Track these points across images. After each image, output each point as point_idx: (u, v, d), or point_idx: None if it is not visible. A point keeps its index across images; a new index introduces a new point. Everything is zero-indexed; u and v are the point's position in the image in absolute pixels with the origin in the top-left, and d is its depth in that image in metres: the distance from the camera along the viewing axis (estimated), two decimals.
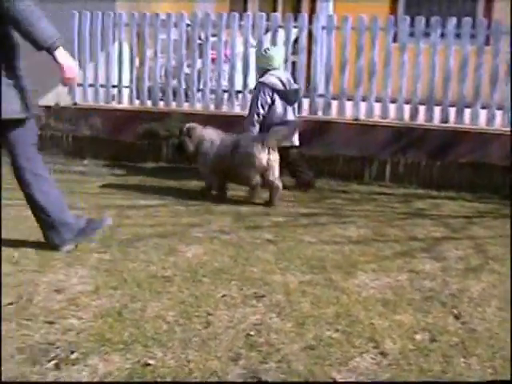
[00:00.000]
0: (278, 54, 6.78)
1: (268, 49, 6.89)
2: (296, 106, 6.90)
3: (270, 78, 6.58)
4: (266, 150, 5.98)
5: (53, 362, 2.95)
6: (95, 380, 2.81)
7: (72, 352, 3.05)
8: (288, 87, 6.64)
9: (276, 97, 6.56)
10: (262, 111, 6.52)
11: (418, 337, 3.27)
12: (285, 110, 6.63)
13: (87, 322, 3.37)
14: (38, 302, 3.60)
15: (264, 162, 5.97)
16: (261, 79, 6.64)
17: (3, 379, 2.57)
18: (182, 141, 6.32)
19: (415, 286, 3.98)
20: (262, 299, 3.71)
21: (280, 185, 6.09)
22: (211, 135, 6.25)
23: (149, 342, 3.14)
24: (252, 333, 3.27)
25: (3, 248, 4.48)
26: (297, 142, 6.70)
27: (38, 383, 2.61)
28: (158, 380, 2.80)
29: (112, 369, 2.90)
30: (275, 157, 6.04)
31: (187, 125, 6.39)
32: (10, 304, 3.57)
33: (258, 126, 6.56)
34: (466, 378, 2.88)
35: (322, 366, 2.94)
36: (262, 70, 6.71)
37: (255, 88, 6.75)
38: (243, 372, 2.89)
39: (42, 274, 4.04)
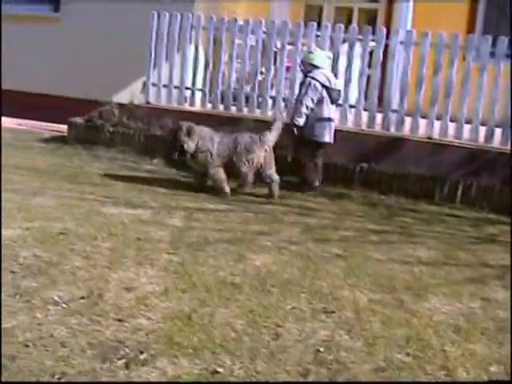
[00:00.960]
0: (322, 55, 7.19)
1: (315, 49, 7.44)
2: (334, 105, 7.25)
3: (320, 75, 6.92)
4: (264, 147, 6.44)
5: (122, 361, 2.96)
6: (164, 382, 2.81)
7: (141, 352, 3.05)
8: (333, 86, 7.00)
9: (324, 93, 6.90)
10: (310, 104, 6.86)
11: (492, 369, 3.17)
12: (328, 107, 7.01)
13: (156, 323, 3.38)
14: (108, 299, 3.63)
15: (261, 158, 6.44)
16: (310, 74, 6.92)
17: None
18: (182, 141, 6.41)
19: (488, 315, 3.86)
20: (332, 315, 3.65)
21: (278, 178, 6.53)
22: (210, 134, 6.55)
23: (217, 349, 3.13)
24: (321, 349, 3.22)
25: (74, 241, 4.55)
26: (331, 139, 7.04)
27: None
28: None
29: (181, 373, 2.89)
30: (271, 153, 6.53)
31: (185, 124, 6.54)
32: (82, 298, 3.61)
33: (305, 118, 6.87)
34: None
35: None
36: (308, 68, 7.01)
37: (304, 82, 6.99)
38: None
39: (112, 270, 4.08)
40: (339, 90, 7.18)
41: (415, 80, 7.69)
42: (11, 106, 10.13)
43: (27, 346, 3.04)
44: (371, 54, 7.96)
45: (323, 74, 6.96)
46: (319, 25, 8.33)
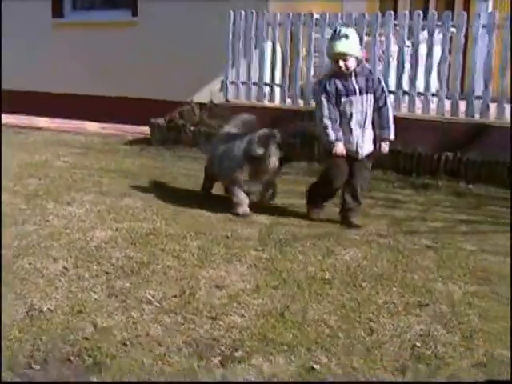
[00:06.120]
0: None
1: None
2: None
3: None
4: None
5: (218, 359, 2.99)
6: (261, 380, 2.81)
7: (236, 350, 3.07)
8: None
9: None
10: None
11: None
12: None
13: (249, 320, 3.39)
14: (200, 297, 3.67)
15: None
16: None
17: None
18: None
19: None
20: (426, 308, 3.59)
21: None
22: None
23: (312, 346, 3.12)
24: (418, 344, 3.16)
25: (164, 240, 4.62)
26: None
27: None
28: None
29: (277, 371, 2.90)
30: None
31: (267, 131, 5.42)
32: (175, 297, 3.66)
33: None
34: None
35: None
36: None
37: None
38: None
39: (202, 268, 4.12)
40: None
41: (499, 64, 7.46)
42: (94, 111, 10.39)
43: (125, 344, 3.12)
44: (451, 40, 7.76)
45: None
46: (396, 14, 8.17)
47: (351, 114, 5.04)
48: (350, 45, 4.96)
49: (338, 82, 5.02)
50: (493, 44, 7.44)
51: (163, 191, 6.11)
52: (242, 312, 3.49)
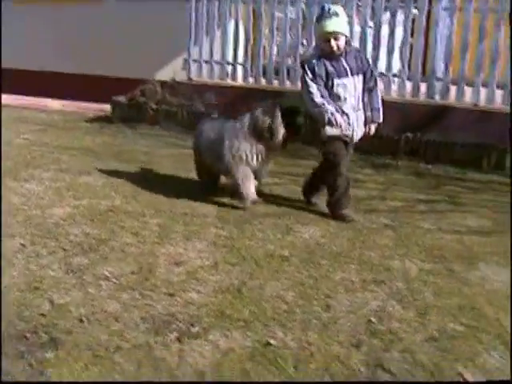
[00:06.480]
0: None
1: None
2: None
3: None
4: None
5: (175, 334, 3.00)
6: (217, 355, 2.83)
7: (193, 325, 3.08)
8: None
9: None
10: None
11: None
12: None
13: (207, 296, 3.40)
14: (158, 274, 3.67)
15: None
16: None
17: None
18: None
19: None
20: (382, 285, 3.63)
21: None
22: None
23: (269, 322, 3.14)
24: (373, 319, 3.20)
25: (123, 218, 4.60)
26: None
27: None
28: (280, 361, 2.79)
29: (234, 346, 2.91)
30: None
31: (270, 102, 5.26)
32: (133, 273, 3.65)
33: None
34: None
35: (447, 360, 2.85)
36: None
37: None
38: (365, 359, 2.84)
39: (161, 245, 4.11)
40: None
41: (459, 47, 7.53)
42: (56, 88, 10.25)
43: (82, 321, 3.10)
44: (413, 22, 7.81)
45: None
46: None
47: (345, 98, 4.73)
48: (341, 23, 4.66)
49: (327, 63, 4.70)
50: (453, 26, 7.51)
51: (123, 169, 6.07)
52: (200, 288, 3.49)
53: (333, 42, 4.64)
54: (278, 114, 4.89)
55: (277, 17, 8.41)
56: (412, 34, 7.87)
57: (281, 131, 4.88)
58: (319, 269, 3.83)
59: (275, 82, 8.46)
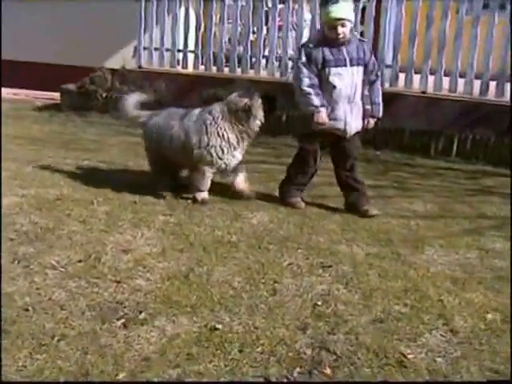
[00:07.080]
0: None
1: None
2: None
3: None
4: None
5: (121, 321, 2.99)
6: (163, 341, 2.83)
7: (140, 312, 3.08)
8: None
9: None
10: None
11: (489, 316, 3.18)
12: None
13: (154, 283, 3.40)
14: (105, 262, 3.65)
15: None
16: None
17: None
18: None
19: (485, 265, 3.88)
20: (329, 269, 3.67)
21: None
22: None
23: (216, 307, 3.15)
24: (319, 303, 3.24)
25: (71, 206, 4.56)
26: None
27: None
28: (226, 345, 2.81)
29: (180, 331, 2.92)
30: None
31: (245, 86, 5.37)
32: (80, 262, 3.62)
33: None
34: None
35: (390, 341, 2.90)
36: None
37: None
38: (311, 341, 2.87)
39: (109, 233, 4.09)
40: None
41: (408, 35, 7.62)
42: (7, 76, 10.06)
43: (27, 309, 3.07)
44: (363, 10, 7.87)
45: None
46: None
47: (340, 88, 4.51)
48: (349, 9, 4.44)
49: (326, 50, 4.46)
50: (402, 15, 7.59)
51: (72, 157, 6.00)
52: (147, 275, 3.49)
53: (340, 29, 4.38)
54: (257, 96, 4.74)
55: (227, 4, 8.38)
56: (362, 22, 7.94)
57: (260, 112, 4.74)
58: (267, 254, 3.85)
59: (226, 70, 8.45)
